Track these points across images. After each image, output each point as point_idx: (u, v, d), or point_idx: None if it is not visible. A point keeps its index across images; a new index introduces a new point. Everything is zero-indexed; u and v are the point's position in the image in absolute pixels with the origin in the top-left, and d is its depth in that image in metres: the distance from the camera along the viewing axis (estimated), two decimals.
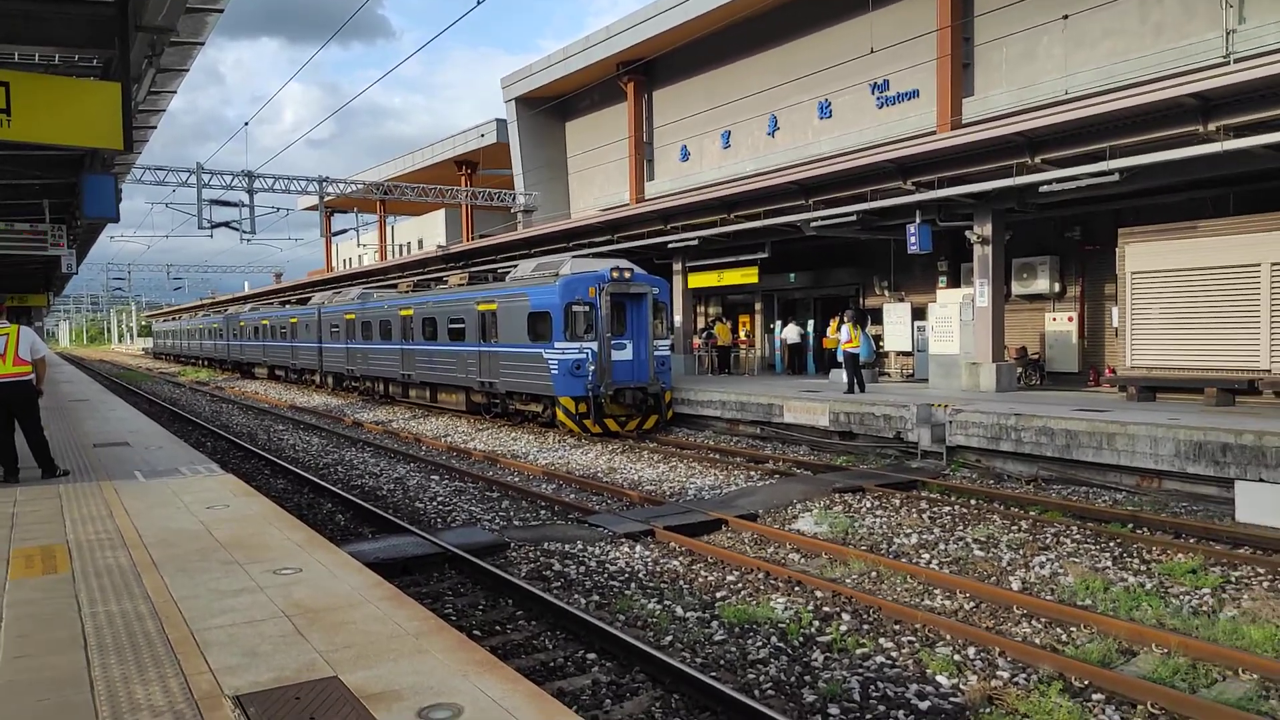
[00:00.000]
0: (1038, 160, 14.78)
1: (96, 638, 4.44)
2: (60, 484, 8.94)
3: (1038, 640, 6.40)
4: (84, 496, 8.27)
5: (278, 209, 34.78)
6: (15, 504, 7.95)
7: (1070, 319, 19.22)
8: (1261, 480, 9.76)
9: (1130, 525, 9.46)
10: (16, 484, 9.00)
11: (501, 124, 38.74)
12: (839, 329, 17.93)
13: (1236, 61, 13.73)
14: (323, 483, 12.61)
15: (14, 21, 8.44)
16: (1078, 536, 9.10)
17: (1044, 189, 14.72)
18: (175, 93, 11.82)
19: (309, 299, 37.10)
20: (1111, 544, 8.81)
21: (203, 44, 9.59)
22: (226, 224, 30.06)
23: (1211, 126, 12.53)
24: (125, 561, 5.90)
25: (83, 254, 30.52)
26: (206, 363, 53.01)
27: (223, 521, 7.12)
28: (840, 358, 17.75)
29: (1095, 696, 5.40)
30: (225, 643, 4.33)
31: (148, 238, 50.61)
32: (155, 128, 13.83)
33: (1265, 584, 7.52)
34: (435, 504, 11.53)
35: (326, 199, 35.10)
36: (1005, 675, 5.74)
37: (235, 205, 30.22)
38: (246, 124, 28.53)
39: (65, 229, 18.89)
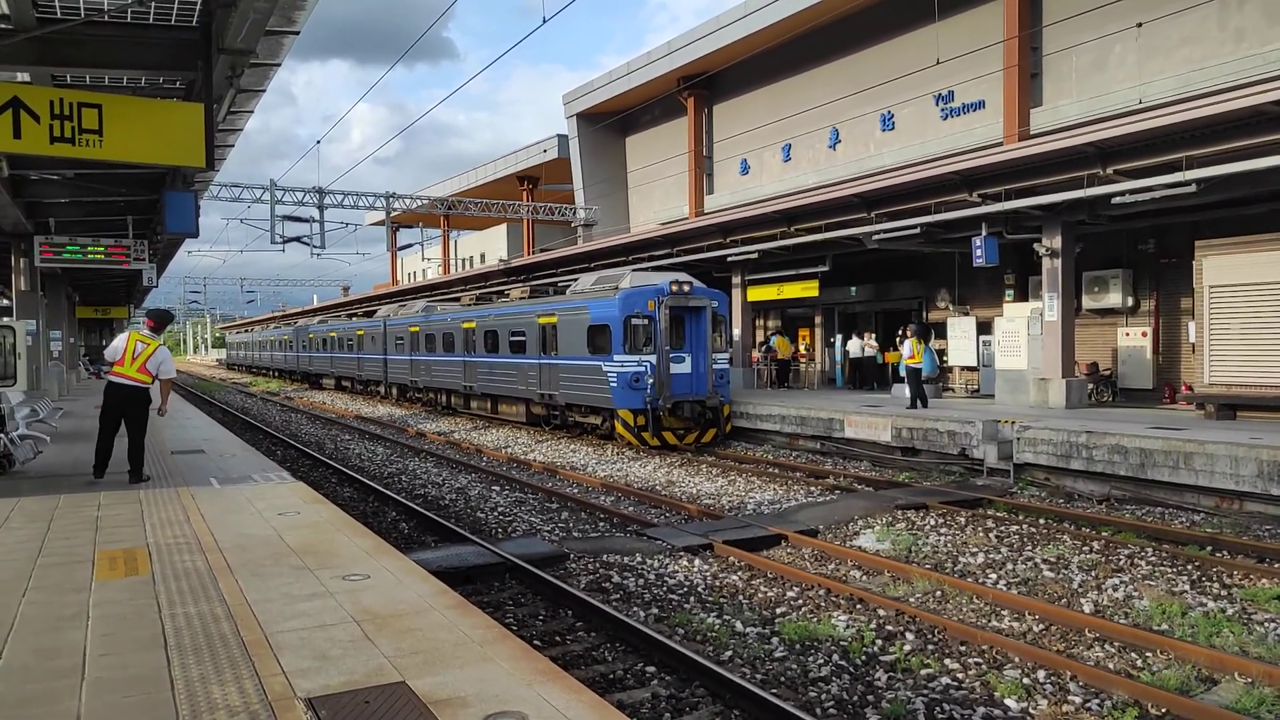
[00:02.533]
0: (1110, 171, 14.40)
1: (176, 638, 4.61)
2: (141, 489, 9.30)
3: (1111, 665, 6.20)
4: (163, 502, 8.58)
5: (346, 224, 35.83)
6: (100, 507, 8.29)
7: (1144, 334, 18.62)
8: None
9: (1209, 548, 9.11)
10: (101, 483, 9.41)
11: (563, 139, 39.23)
12: (903, 343, 17.68)
13: None
14: (387, 491, 12.87)
15: (107, 46, 8.88)
16: (1153, 558, 8.80)
17: (1116, 200, 14.33)
18: (252, 112, 12.27)
19: (375, 312, 37.98)
20: (1189, 567, 8.49)
21: (279, 65, 9.95)
22: (298, 239, 31.00)
23: None
24: (202, 565, 6.11)
25: (162, 268, 31.80)
26: (276, 374, 54.55)
27: (293, 528, 7.32)
28: (903, 373, 17.48)
29: None
30: (297, 646, 4.45)
31: (223, 252, 52.59)
32: (233, 146, 14.36)
33: None
34: (496, 514, 11.67)
35: (392, 214, 35.94)
36: (1077, 700, 5.57)
37: (306, 221, 31.16)
38: (318, 142, 29.48)
39: (147, 244, 19.71)
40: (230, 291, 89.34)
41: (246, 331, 74.26)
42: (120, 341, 9.71)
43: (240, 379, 59.94)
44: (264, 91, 11.08)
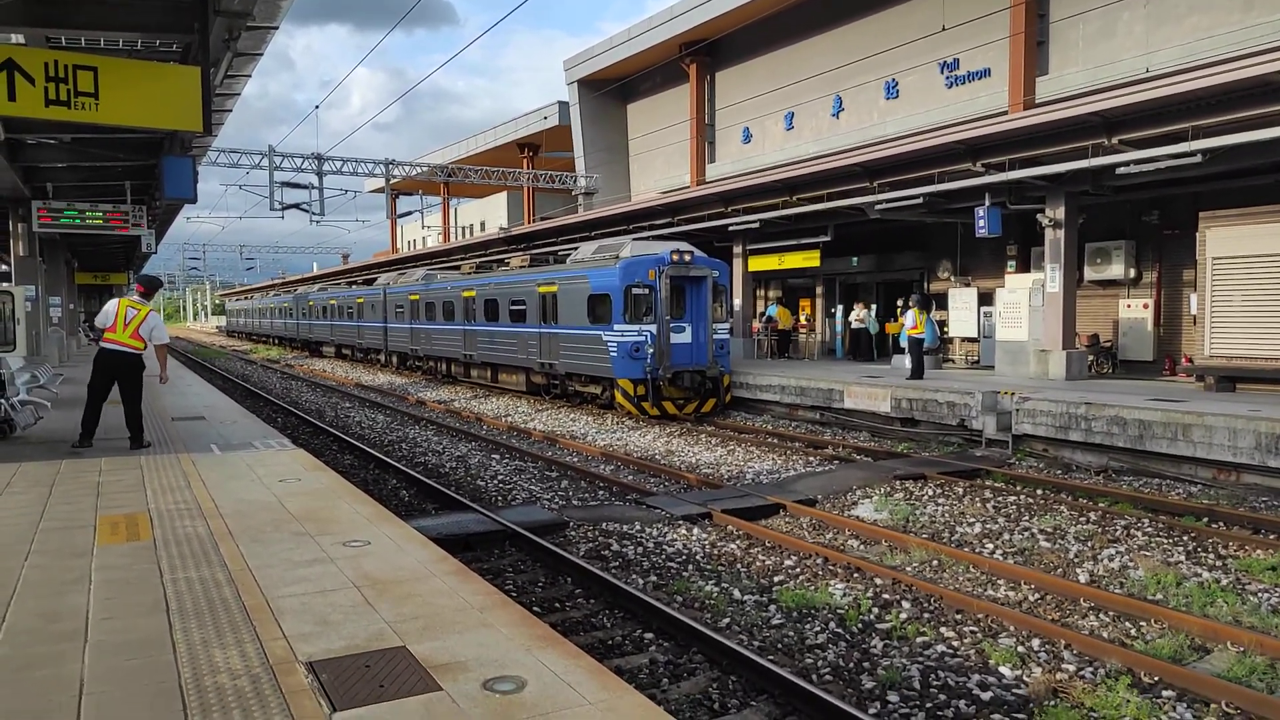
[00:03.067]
0: (1115, 141, 14.28)
1: (178, 602, 4.64)
2: (142, 455, 9.33)
3: (1105, 634, 6.26)
4: (164, 468, 8.61)
5: (346, 191, 35.60)
6: (101, 473, 8.32)
7: (1146, 306, 18.57)
8: None
9: (1206, 519, 9.16)
10: (101, 449, 9.44)
11: (564, 106, 38.86)
12: (904, 313, 17.64)
13: None
14: (388, 459, 12.91)
15: (101, 8, 8.76)
16: (1149, 529, 8.84)
17: (1121, 171, 14.22)
18: (250, 76, 12.13)
19: (375, 280, 37.88)
20: (1185, 538, 8.54)
21: (277, 28, 9.82)
22: (297, 205, 30.82)
23: None
24: (203, 531, 6.14)
25: (161, 234, 31.68)
26: (277, 341, 54.55)
27: (294, 494, 7.35)
28: (904, 343, 17.47)
29: (1166, 693, 5.27)
30: (298, 611, 4.49)
31: (222, 218, 52.38)
32: (231, 111, 14.22)
33: None
34: (496, 482, 11.72)
35: (392, 181, 35.74)
36: (1071, 668, 5.63)
37: (305, 188, 30.96)
38: (316, 108, 29.20)
39: (145, 210, 19.62)
40: (230, 258, 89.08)
41: (246, 299, 74.15)
42: (111, 307, 9.62)
43: (240, 346, 59.95)
44: (261, 55, 10.94)
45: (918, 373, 16.64)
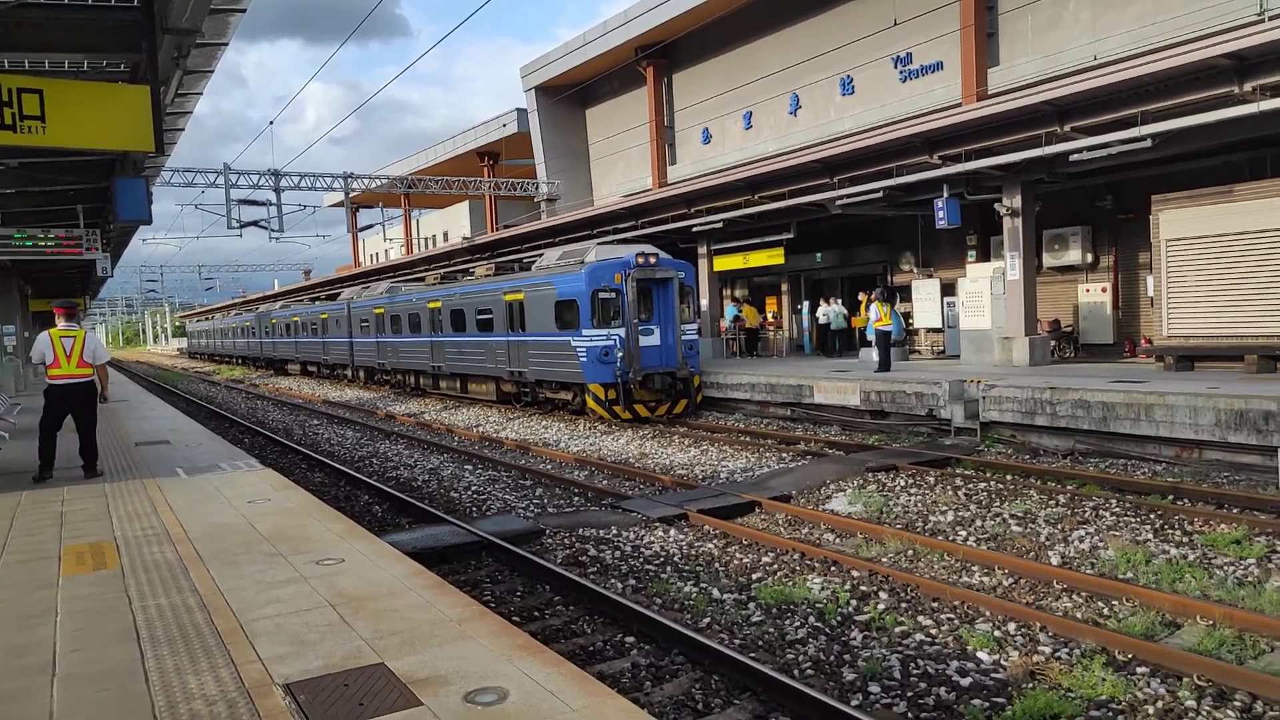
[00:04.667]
0: (1067, 129, 14.53)
1: (148, 630, 4.55)
2: (105, 482, 9.13)
3: (1079, 615, 6.35)
4: (129, 494, 8.44)
5: (305, 206, 35.13)
6: (63, 502, 8.14)
7: (1104, 290, 18.92)
8: None
9: (1171, 497, 9.34)
10: (63, 479, 9.22)
11: (522, 114, 38.76)
12: (868, 307, 17.80)
13: (1271, 19, 13.39)
14: (359, 475, 12.77)
15: (44, 29, 8.59)
16: (1117, 509, 9.00)
17: (1074, 158, 14.47)
18: (201, 94, 11.96)
19: (338, 295, 37.48)
20: (1152, 516, 8.70)
21: (226, 44, 9.70)
22: (255, 223, 30.39)
23: (1247, 87, 12.25)
24: (172, 556, 6.03)
25: (117, 257, 31.03)
26: (240, 361, 53.76)
27: (264, 515, 7.24)
28: (871, 336, 17.63)
29: (1140, 670, 5.36)
30: (273, 632, 4.42)
31: (179, 239, 51.50)
32: (183, 130, 14.00)
33: None
34: (470, 493, 11.64)
35: (352, 195, 35.34)
36: (1047, 650, 5.70)
37: (263, 204, 30.54)
38: (271, 123, 28.84)
39: (99, 233, 19.23)
40: (188, 279, 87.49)
41: (207, 319, 72.98)
42: (44, 342, 9.17)
43: (203, 367, 59.00)
44: (212, 72, 10.79)
45: (884, 365, 16.80)
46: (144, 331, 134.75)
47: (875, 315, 17.15)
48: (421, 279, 29.25)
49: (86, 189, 16.65)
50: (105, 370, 9.74)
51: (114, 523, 7.19)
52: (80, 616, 4.83)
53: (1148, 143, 13.40)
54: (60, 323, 9.41)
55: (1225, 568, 7.16)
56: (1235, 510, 8.73)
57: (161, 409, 19.10)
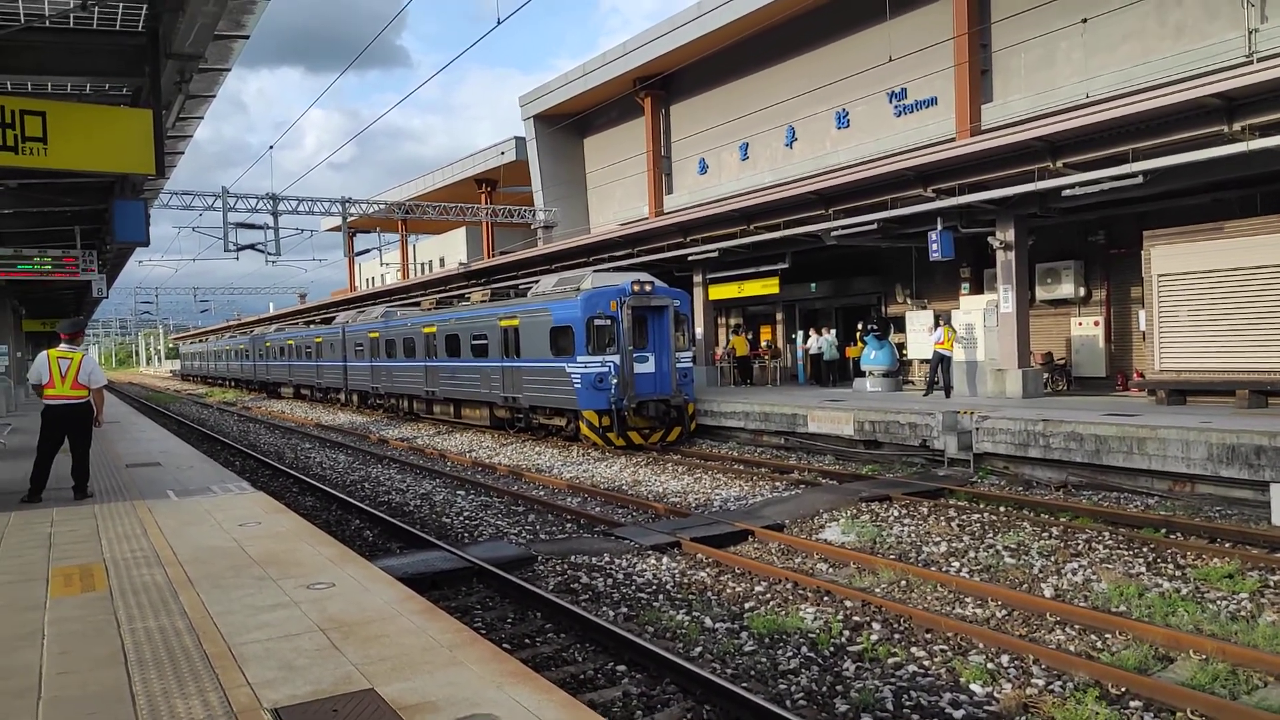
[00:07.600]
0: (1059, 164, 14.70)
1: (136, 653, 4.51)
2: (95, 504, 9.08)
3: (1072, 647, 6.33)
4: (119, 516, 8.39)
5: (302, 230, 35.21)
6: (52, 524, 8.08)
7: (1096, 323, 19.04)
8: None
9: (1163, 530, 9.34)
10: (52, 500, 9.17)
11: (520, 142, 39.04)
12: (934, 329, 17.94)
13: (1259, 61, 13.61)
14: (350, 499, 12.71)
15: (50, 53, 8.66)
16: (1110, 542, 8.99)
17: (1066, 193, 14.63)
18: (202, 119, 12.03)
19: (333, 319, 37.48)
20: (1145, 549, 8.70)
21: (229, 70, 9.78)
22: (252, 246, 30.45)
23: (1236, 126, 12.43)
24: (161, 579, 5.99)
25: (112, 278, 31.06)
26: (233, 383, 53.60)
27: (255, 538, 7.20)
28: (866, 366, 17.69)
29: (1133, 704, 5.34)
30: (262, 657, 4.39)
31: (175, 261, 51.81)
32: (183, 153, 14.07)
33: None
34: (462, 519, 11.59)
35: (349, 219, 35.51)
36: (1040, 683, 5.68)
37: (260, 228, 30.63)
38: (271, 148, 28.96)
39: (96, 254, 19.26)
40: (183, 301, 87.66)
41: (201, 341, 72.85)
42: (42, 363, 9.18)
43: (196, 390, 58.80)
44: (214, 97, 10.87)
45: (946, 390, 16.92)
46: (137, 353, 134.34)
47: (939, 336, 17.32)
48: (417, 304, 29.27)
49: (84, 210, 16.69)
50: (102, 394, 9.70)
51: (103, 545, 7.14)
52: (67, 639, 4.79)
53: (1139, 179, 13.55)
54: (60, 345, 9.44)
55: (1218, 602, 7.15)
56: (1228, 545, 8.73)
57: (153, 430, 19.02)
